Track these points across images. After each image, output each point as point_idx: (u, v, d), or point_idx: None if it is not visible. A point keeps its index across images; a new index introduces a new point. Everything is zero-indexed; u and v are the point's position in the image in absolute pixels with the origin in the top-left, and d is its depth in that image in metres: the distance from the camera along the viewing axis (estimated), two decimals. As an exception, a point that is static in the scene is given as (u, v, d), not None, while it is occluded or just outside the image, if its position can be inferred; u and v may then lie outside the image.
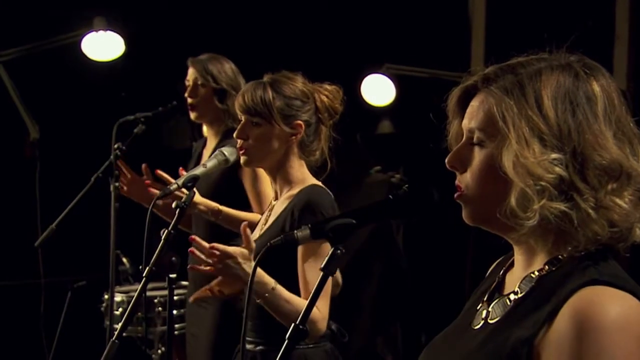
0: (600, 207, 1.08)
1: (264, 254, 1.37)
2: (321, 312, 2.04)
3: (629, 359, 1.01)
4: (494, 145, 1.14)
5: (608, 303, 1.03)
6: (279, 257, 2.02)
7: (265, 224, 2.28)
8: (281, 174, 2.26)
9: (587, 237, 1.09)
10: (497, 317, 1.17)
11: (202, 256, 1.99)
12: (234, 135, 2.26)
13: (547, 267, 1.14)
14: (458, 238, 4.16)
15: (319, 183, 2.25)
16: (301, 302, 2.03)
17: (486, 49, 4.67)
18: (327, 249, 2.05)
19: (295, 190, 2.21)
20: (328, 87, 2.29)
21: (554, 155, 1.08)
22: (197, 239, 2.01)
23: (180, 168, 2.50)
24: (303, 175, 2.26)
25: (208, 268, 2.01)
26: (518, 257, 1.21)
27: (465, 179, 1.18)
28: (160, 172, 2.56)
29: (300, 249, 2.08)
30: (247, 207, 2.82)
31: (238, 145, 2.26)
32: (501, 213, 1.12)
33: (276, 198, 2.29)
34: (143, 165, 2.71)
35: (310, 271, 2.07)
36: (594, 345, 1.00)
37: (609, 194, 1.09)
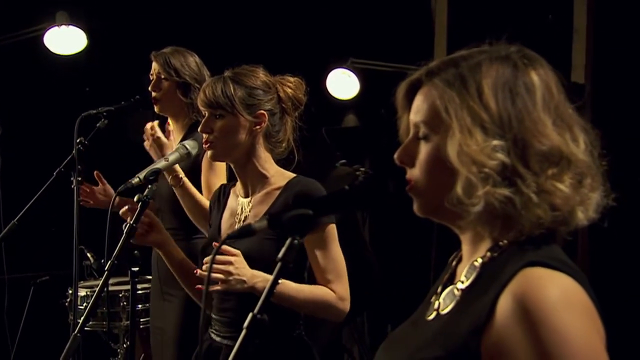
0: (542, 191, 1.11)
1: (222, 244, 1.38)
2: (344, 292, 2.14)
3: (582, 333, 1.03)
4: (439, 138, 1.16)
5: (546, 283, 1.05)
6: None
7: (240, 222, 2.25)
8: (251, 169, 2.24)
9: (530, 221, 1.11)
10: (446, 307, 1.20)
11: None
12: (199, 130, 2.26)
13: (489, 254, 1.17)
14: (422, 230, 4.21)
15: (299, 175, 2.25)
16: (312, 289, 2.12)
17: (449, 43, 4.72)
18: (334, 229, 2.16)
19: (277, 184, 2.21)
20: (290, 78, 2.30)
21: (495, 142, 1.11)
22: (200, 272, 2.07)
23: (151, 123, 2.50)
24: (276, 169, 2.26)
25: (217, 287, 2.05)
26: (464, 247, 1.24)
27: (414, 173, 1.21)
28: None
29: (309, 238, 2.11)
30: None
31: (203, 140, 2.25)
32: (449, 202, 1.14)
33: (246, 195, 2.28)
34: (95, 173, 2.74)
35: (334, 250, 2.14)
36: (548, 326, 1.02)
37: (550, 178, 1.11)
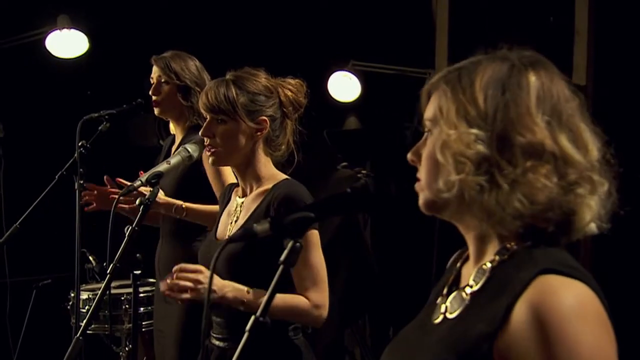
0: (515, 181, 1.11)
1: (224, 246, 1.38)
2: (319, 300, 2.11)
3: (596, 342, 1.04)
4: (436, 132, 1.19)
5: (561, 292, 1.05)
6: (250, 261, 2.08)
7: (233, 222, 2.28)
8: (250, 171, 2.25)
9: (509, 214, 1.11)
10: (455, 311, 1.20)
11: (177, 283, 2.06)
12: (200, 133, 2.26)
13: (497, 257, 1.17)
14: (424, 232, 4.21)
15: (289, 178, 2.25)
16: (283, 298, 2.07)
17: (450, 46, 4.72)
18: (316, 235, 2.13)
19: (267, 186, 2.21)
20: (291, 81, 2.30)
21: (473, 131, 1.12)
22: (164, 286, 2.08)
23: (141, 172, 2.51)
24: (272, 171, 2.26)
25: (187, 295, 2.05)
26: (470, 248, 1.24)
27: (420, 170, 1.23)
28: (120, 180, 2.66)
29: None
30: (212, 201, 2.83)
31: (205, 144, 2.25)
32: (432, 192, 1.17)
33: (243, 195, 2.29)
34: (105, 177, 2.75)
35: (313, 257, 2.11)
36: (559, 335, 1.02)
37: (528, 170, 1.11)
